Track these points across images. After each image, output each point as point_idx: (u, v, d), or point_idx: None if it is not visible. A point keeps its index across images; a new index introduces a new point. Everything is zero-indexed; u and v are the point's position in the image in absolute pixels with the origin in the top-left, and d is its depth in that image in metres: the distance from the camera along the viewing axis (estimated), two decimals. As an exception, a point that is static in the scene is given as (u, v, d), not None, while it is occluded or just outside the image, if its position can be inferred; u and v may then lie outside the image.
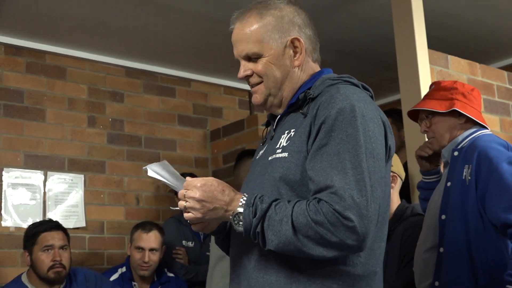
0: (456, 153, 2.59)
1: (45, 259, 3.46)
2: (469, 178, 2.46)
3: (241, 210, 1.63)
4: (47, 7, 3.97)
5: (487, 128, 2.67)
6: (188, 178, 1.71)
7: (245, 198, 1.64)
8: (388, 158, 1.73)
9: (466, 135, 2.64)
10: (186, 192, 1.66)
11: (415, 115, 2.87)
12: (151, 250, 3.96)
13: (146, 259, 3.92)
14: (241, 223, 1.63)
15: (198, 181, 1.66)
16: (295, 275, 1.64)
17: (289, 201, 1.62)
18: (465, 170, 2.50)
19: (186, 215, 1.68)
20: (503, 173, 2.37)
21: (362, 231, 1.54)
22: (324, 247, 1.56)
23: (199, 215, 1.65)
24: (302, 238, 1.56)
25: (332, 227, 1.54)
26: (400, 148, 3.73)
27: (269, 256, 1.66)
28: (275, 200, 1.63)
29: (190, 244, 4.35)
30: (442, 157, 2.74)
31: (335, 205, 1.54)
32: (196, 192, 1.64)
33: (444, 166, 2.72)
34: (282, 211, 1.59)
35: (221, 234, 1.91)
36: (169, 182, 1.74)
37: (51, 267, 3.45)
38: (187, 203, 1.66)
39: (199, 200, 1.64)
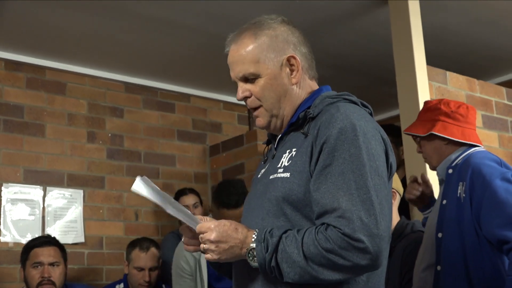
0: (450, 171, 2.59)
1: (34, 275, 3.46)
2: (464, 195, 2.46)
3: (253, 245, 1.63)
4: (47, 23, 3.99)
5: (477, 146, 2.65)
6: (200, 217, 1.71)
7: (256, 234, 1.64)
8: (389, 175, 1.73)
9: (459, 153, 2.63)
10: (202, 235, 1.67)
11: None
12: (150, 269, 3.94)
13: (147, 279, 3.89)
14: (255, 259, 1.62)
15: (211, 223, 1.67)
16: None
17: (298, 230, 1.61)
18: (459, 187, 2.50)
19: (206, 256, 1.68)
20: (497, 189, 2.37)
21: (375, 249, 1.53)
22: (339, 272, 1.56)
23: (215, 256, 1.66)
24: (316, 267, 1.56)
25: (343, 252, 1.53)
26: (399, 166, 3.73)
27: (271, 277, 1.66)
28: (285, 232, 1.62)
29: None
30: (437, 175, 2.74)
31: (344, 228, 1.54)
32: (211, 234, 1.65)
33: (440, 184, 2.72)
34: (293, 243, 1.58)
35: None
36: (155, 201, 1.73)
37: (39, 283, 3.44)
38: (205, 245, 1.67)
39: (215, 241, 1.64)
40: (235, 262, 1.80)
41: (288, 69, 1.81)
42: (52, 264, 3.50)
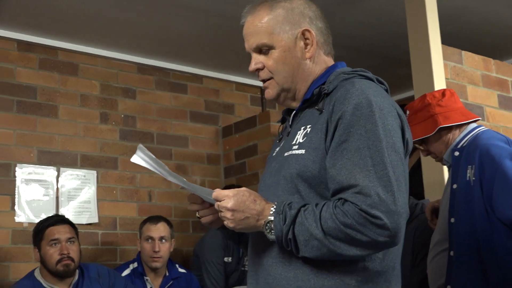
0: (456, 153, 2.57)
1: (53, 253, 3.47)
2: (473, 178, 2.44)
3: (271, 218, 1.62)
4: (59, 3, 3.98)
5: (476, 120, 2.66)
6: (217, 191, 1.69)
7: (275, 207, 1.63)
8: (406, 152, 1.71)
9: (463, 135, 2.62)
10: (219, 202, 1.66)
11: None
12: (161, 239, 3.99)
13: (157, 248, 3.94)
14: (272, 231, 1.62)
15: (230, 191, 1.66)
16: (313, 272, 1.62)
17: (316, 205, 1.60)
18: (468, 171, 2.47)
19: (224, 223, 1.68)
20: (507, 170, 2.35)
21: (393, 226, 1.52)
22: (357, 247, 1.55)
23: (231, 224, 1.65)
24: (334, 241, 1.55)
25: (361, 228, 1.52)
26: (413, 150, 3.70)
27: (287, 253, 1.65)
28: (304, 205, 1.61)
29: (230, 259, 4.34)
30: (444, 162, 2.72)
31: (361, 204, 1.52)
32: (228, 202, 1.64)
33: (448, 169, 2.70)
34: (311, 216, 1.57)
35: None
36: (156, 170, 1.74)
37: (59, 261, 3.46)
38: (221, 212, 1.66)
39: (231, 210, 1.64)
40: (252, 237, 1.80)
41: (302, 43, 1.79)
42: (69, 241, 3.53)
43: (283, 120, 1.96)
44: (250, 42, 1.82)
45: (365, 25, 4.47)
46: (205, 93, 5.31)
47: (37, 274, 3.52)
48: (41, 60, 4.49)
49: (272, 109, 5.21)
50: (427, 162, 3.38)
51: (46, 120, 4.42)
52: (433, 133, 2.63)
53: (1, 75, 4.29)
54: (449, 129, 2.64)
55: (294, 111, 1.85)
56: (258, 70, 1.82)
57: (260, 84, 1.89)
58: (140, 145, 1.73)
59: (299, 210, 1.60)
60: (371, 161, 1.56)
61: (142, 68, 4.96)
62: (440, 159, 2.72)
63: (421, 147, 2.74)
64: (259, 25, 1.79)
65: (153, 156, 1.72)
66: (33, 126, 4.36)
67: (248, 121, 5.06)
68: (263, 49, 1.80)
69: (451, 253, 2.48)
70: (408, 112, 2.76)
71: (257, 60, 1.81)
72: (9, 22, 4.21)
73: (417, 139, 2.67)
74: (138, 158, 1.73)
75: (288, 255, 1.65)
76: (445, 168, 3.30)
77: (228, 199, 1.64)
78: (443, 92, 2.70)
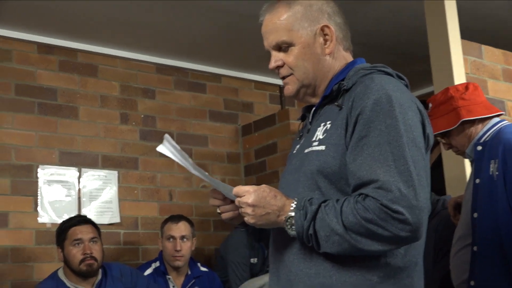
0: (479, 148, 2.55)
1: (76, 253, 3.50)
2: (496, 173, 2.42)
3: (292, 214, 1.62)
4: (78, 5, 4.01)
5: (500, 114, 2.64)
6: (238, 187, 1.70)
7: (295, 203, 1.63)
8: (427, 147, 1.70)
9: (486, 129, 2.60)
10: (240, 198, 1.67)
11: None
12: (182, 238, 4.00)
13: (178, 247, 3.96)
14: (293, 227, 1.62)
15: (250, 187, 1.67)
16: (335, 268, 1.62)
17: (337, 200, 1.60)
18: (491, 165, 2.46)
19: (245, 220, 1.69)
20: None
21: (415, 221, 1.52)
22: (378, 242, 1.54)
23: (251, 220, 1.66)
24: (355, 236, 1.55)
25: (383, 223, 1.52)
26: (434, 145, 3.68)
27: (308, 249, 1.65)
28: (324, 201, 1.61)
29: (255, 260, 4.34)
30: (466, 156, 2.71)
31: (383, 199, 1.52)
32: (249, 198, 1.64)
33: (471, 164, 2.69)
34: (332, 212, 1.57)
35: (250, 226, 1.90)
36: (180, 162, 1.75)
37: (82, 260, 3.49)
38: (242, 208, 1.66)
39: (251, 205, 1.64)
40: (273, 234, 1.81)
41: (321, 39, 1.80)
42: (91, 241, 3.56)
43: (303, 118, 1.96)
44: (270, 40, 1.82)
45: (382, 21, 4.45)
46: (224, 92, 5.32)
47: (60, 274, 3.55)
48: (61, 62, 4.52)
49: (291, 107, 5.20)
50: (448, 158, 3.37)
51: (66, 121, 4.45)
52: (455, 126, 2.62)
53: (22, 78, 4.33)
54: (472, 122, 2.62)
55: (314, 108, 1.85)
56: (278, 67, 1.82)
57: (279, 82, 1.90)
58: (167, 135, 1.75)
59: (319, 206, 1.60)
60: (391, 156, 1.56)
61: (161, 68, 4.98)
62: (461, 153, 2.71)
63: (443, 140, 2.73)
64: (278, 22, 1.79)
65: (178, 147, 1.74)
66: (54, 127, 4.39)
67: (268, 119, 5.06)
68: (282, 47, 1.80)
69: (475, 248, 2.46)
70: (430, 105, 2.75)
71: (277, 57, 1.82)
72: (29, 25, 4.25)
73: (440, 131, 2.66)
74: (164, 148, 1.74)
75: (309, 251, 1.65)
76: (467, 164, 3.28)
77: (249, 195, 1.65)
78: (466, 86, 2.69)
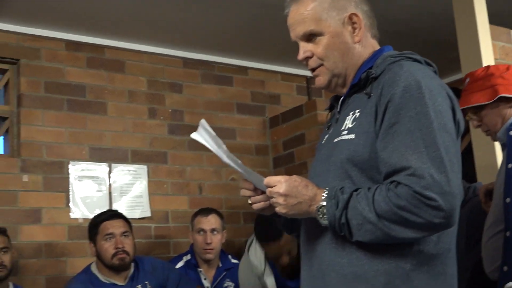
0: None
1: (108, 247, 3.53)
2: None
3: (324, 203, 1.62)
4: (104, 2, 4.04)
5: None
6: (269, 177, 1.69)
7: (327, 192, 1.63)
8: (458, 133, 1.69)
9: None
10: (271, 188, 1.66)
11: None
12: (212, 231, 4.02)
13: (209, 240, 3.98)
14: (325, 216, 1.62)
15: (282, 177, 1.66)
16: (367, 257, 1.62)
17: (369, 188, 1.59)
18: None
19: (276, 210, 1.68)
20: None
21: (448, 207, 1.51)
22: (412, 229, 1.54)
23: (283, 210, 1.66)
24: (388, 224, 1.54)
25: (416, 209, 1.51)
26: (464, 133, 3.65)
27: (340, 238, 1.65)
28: (356, 190, 1.61)
29: None
30: (498, 140, 2.67)
31: (415, 186, 1.51)
32: (281, 187, 1.64)
33: (502, 149, 2.65)
34: (364, 200, 1.57)
35: (282, 218, 1.90)
36: (213, 149, 1.73)
37: (114, 254, 3.52)
38: (274, 198, 1.66)
39: (283, 195, 1.64)
40: (304, 223, 1.80)
41: (350, 27, 1.78)
42: (123, 235, 3.59)
43: (331, 107, 1.95)
44: (297, 31, 1.80)
45: (409, 8, 4.40)
46: (251, 85, 5.32)
47: (93, 269, 3.59)
48: (88, 59, 4.56)
49: (319, 98, 5.18)
50: (478, 145, 3.33)
51: (95, 117, 4.49)
52: (492, 100, 2.58)
53: (51, 75, 4.38)
54: (508, 102, 2.58)
55: (342, 97, 1.84)
56: (307, 58, 1.81)
57: (305, 73, 1.89)
58: (203, 120, 1.74)
59: (351, 195, 1.59)
60: (423, 143, 1.55)
61: (187, 62, 4.99)
62: (491, 133, 2.67)
63: (475, 116, 2.68)
64: (305, 13, 1.78)
65: (214, 133, 1.73)
66: (83, 124, 4.44)
67: (295, 110, 5.05)
68: (310, 37, 1.79)
69: (508, 233, 2.44)
70: (468, 79, 2.71)
71: (305, 48, 1.80)
72: (57, 24, 4.29)
73: (474, 104, 2.62)
74: (198, 136, 1.73)
75: (341, 240, 1.65)
76: (498, 151, 3.24)
77: (280, 185, 1.64)
78: (508, 67, 2.65)
